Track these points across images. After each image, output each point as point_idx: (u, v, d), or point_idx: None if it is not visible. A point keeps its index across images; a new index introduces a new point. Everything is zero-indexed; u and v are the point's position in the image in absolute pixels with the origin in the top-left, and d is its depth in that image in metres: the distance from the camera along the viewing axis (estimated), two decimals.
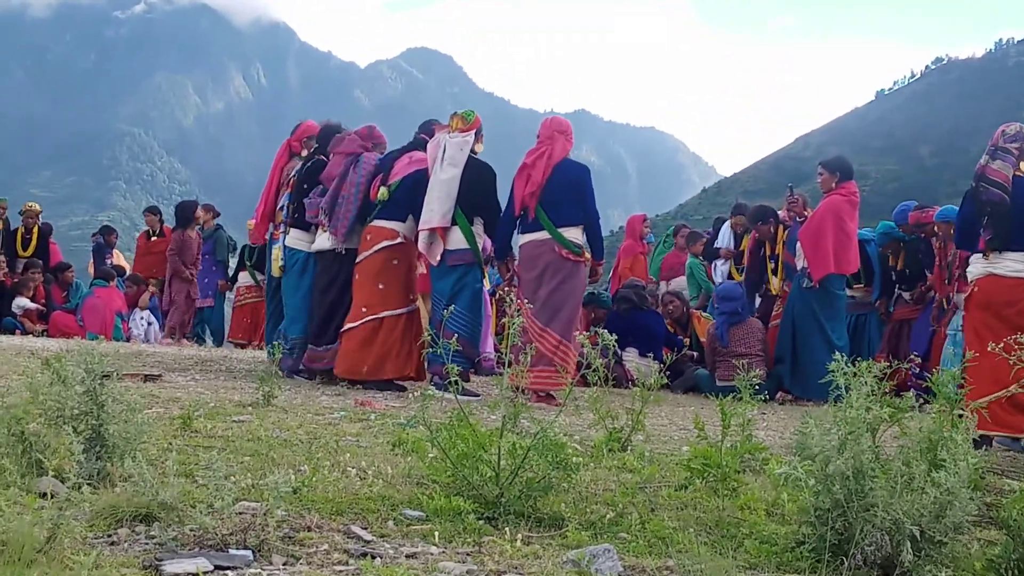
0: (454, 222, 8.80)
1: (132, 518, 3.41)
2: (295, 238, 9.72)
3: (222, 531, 3.21)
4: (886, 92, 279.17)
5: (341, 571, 3.08)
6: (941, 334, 11.21)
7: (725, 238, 14.05)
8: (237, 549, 3.16)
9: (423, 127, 9.65)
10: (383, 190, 9.02)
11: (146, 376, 8.24)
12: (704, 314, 12.70)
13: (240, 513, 3.40)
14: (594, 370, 5.51)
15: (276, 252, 9.95)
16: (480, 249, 8.95)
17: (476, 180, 8.89)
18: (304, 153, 10.15)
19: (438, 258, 8.83)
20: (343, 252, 9.23)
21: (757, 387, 5.44)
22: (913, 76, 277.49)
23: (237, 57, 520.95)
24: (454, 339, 4.48)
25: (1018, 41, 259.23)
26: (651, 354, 11.26)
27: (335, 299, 9.25)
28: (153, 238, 17.48)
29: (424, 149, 9.25)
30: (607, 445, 5.52)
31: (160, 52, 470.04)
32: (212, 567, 2.98)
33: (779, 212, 12.16)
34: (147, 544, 3.21)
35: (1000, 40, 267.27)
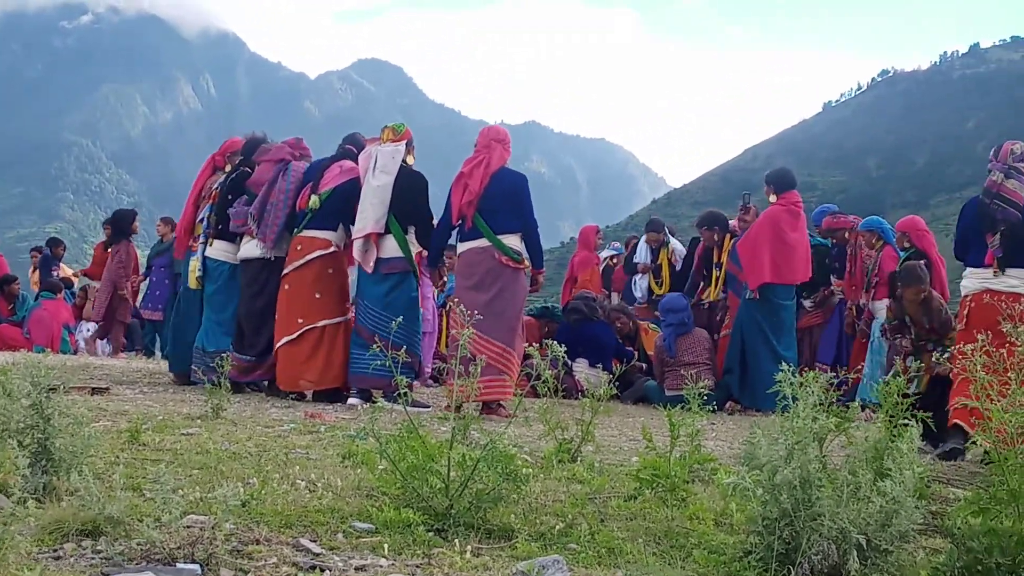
0: (388, 230, 8.79)
1: (78, 532, 3.37)
2: (219, 249, 9.65)
3: (170, 545, 3.19)
4: (833, 104, 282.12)
5: None
6: (858, 341, 11.44)
7: (642, 253, 14.22)
8: (185, 563, 3.13)
9: (348, 139, 9.65)
10: (314, 198, 8.97)
11: (93, 389, 8.17)
12: (651, 326, 12.75)
13: (188, 527, 3.38)
14: (544, 381, 5.52)
15: (194, 264, 9.82)
16: (413, 257, 8.92)
17: (408, 188, 8.87)
18: (227, 168, 10.07)
19: (371, 265, 8.80)
20: (271, 259, 9.18)
21: (705, 397, 5.47)
22: (860, 88, 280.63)
23: (186, 67, 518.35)
24: (403, 351, 4.45)
25: (962, 54, 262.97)
26: (600, 365, 11.30)
27: (264, 307, 9.17)
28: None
29: (352, 159, 9.26)
30: (557, 456, 5.53)
31: (108, 62, 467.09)
32: None
33: (731, 221, 12.27)
34: (93, 559, 3.18)
35: (945, 53, 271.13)
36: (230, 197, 9.54)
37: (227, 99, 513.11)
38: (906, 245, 11.07)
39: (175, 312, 10.47)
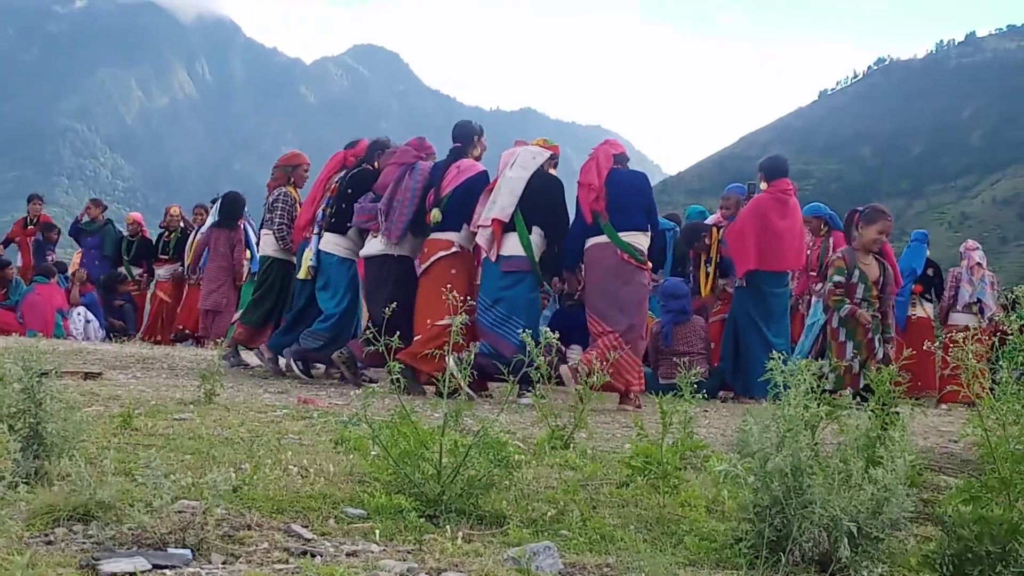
0: (513, 227, 8.85)
1: (69, 517, 3.37)
2: (330, 242, 9.73)
3: (161, 530, 3.19)
4: (829, 92, 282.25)
5: (281, 570, 3.06)
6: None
7: None
8: (176, 548, 3.13)
9: (460, 133, 9.56)
10: (435, 212, 9.06)
11: (86, 374, 8.17)
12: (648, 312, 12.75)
13: (179, 512, 3.37)
14: (536, 368, 5.52)
15: (307, 254, 9.88)
16: (536, 260, 8.94)
17: (542, 189, 8.97)
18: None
19: (495, 254, 8.89)
20: (396, 256, 9.26)
21: (698, 385, 5.48)
22: (856, 76, 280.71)
23: (181, 52, 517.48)
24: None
25: (959, 43, 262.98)
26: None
27: (387, 301, 8.93)
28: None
29: (463, 156, 9.38)
30: (549, 443, 5.54)
31: (103, 47, 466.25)
32: (150, 566, 2.95)
33: (710, 218, 12.44)
34: (84, 543, 3.18)
35: (941, 41, 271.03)
36: (351, 192, 9.63)
37: (222, 84, 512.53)
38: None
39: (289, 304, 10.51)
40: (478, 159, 9.49)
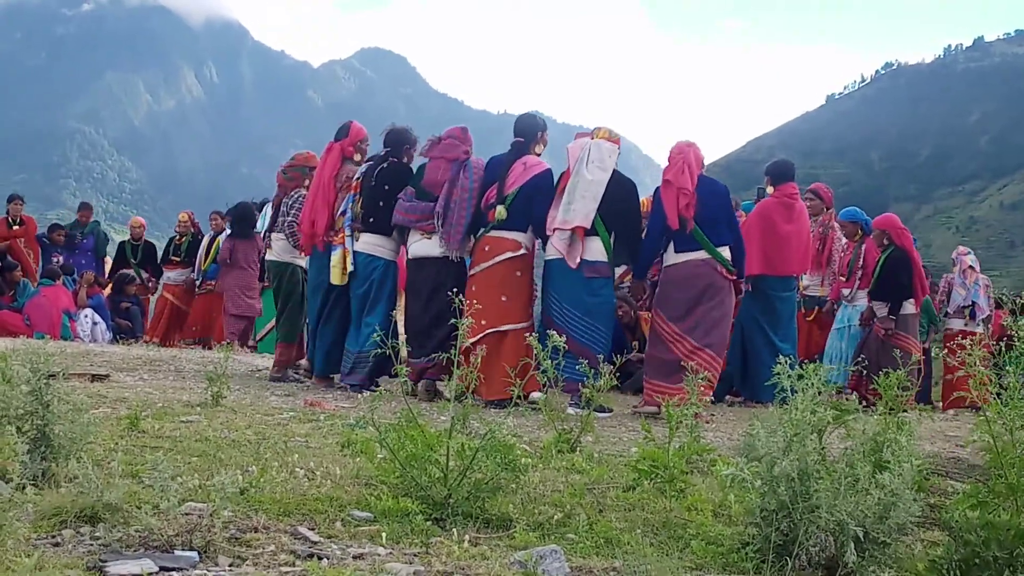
0: (595, 231, 8.58)
1: (76, 519, 3.38)
2: (372, 244, 9.24)
3: (168, 532, 3.19)
4: (837, 97, 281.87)
5: (287, 572, 3.06)
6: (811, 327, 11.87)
7: None
8: (183, 550, 3.14)
9: (523, 128, 9.17)
10: (500, 209, 8.69)
11: (94, 376, 8.16)
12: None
13: (186, 514, 3.38)
14: (543, 371, 5.52)
15: (337, 258, 9.27)
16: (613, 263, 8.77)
17: (620, 193, 8.69)
18: (357, 157, 9.69)
19: (577, 260, 8.54)
20: (456, 259, 8.90)
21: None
22: (863, 81, 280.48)
23: (189, 56, 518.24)
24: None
25: (966, 48, 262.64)
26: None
27: (441, 307, 8.60)
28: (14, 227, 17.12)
29: (526, 152, 8.99)
30: (556, 446, 5.53)
31: (111, 50, 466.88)
32: (157, 568, 2.96)
33: None
34: (91, 545, 3.19)
35: (949, 46, 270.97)
36: (387, 189, 9.15)
37: (230, 87, 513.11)
38: (885, 242, 11.17)
39: (313, 310, 9.87)
40: (539, 156, 9.10)
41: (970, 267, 14.76)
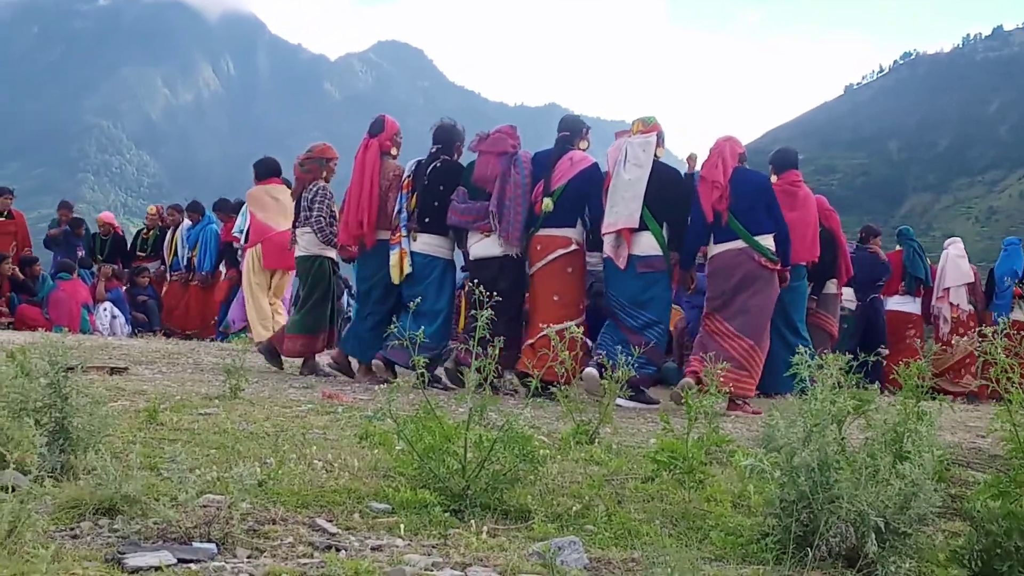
0: (644, 226, 8.62)
1: (95, 511, 3.38)
2: (431, 244, 9.27)
3: (186, 524, 3.19)
4: (855, 87, 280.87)
5: (306, 564, 3.06)
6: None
7: None
8: (201, 542, 3.14)
9: (568, 124, 9.34)
10: (547, 201, 8.75)
11: (112, 369, 8.20)
12: (674, 306, 12.69)
13: (204, 506, 3.38)
14: (562, 363, 5.52)
15: (396, 258, 9.22)
16: (670, 256, 8.78)
17: (664, 183, 8.72)
18: (394, 151, 9.67)
19: (624, 261, 8.63)
20: (516, 258, 8.92)
21: None
22: (882, 71, 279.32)
23: (206, 49, 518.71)
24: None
25: (985, 36, 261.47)
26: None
27: (501, 305, 8.55)
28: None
29: (571, 147, 9.09)
30: (574, 437, 5.53)
31: (127, 44, 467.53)
32: (175, 560, 2.96)
33: None
34: (110, 537, 3.19)
35: (968, 35, 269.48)
36: (442, 188, 9.16)
37: (247, 81, 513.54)
38: None
39: (359, 308, 9.92)
40: (584, 151, 9.18)
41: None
